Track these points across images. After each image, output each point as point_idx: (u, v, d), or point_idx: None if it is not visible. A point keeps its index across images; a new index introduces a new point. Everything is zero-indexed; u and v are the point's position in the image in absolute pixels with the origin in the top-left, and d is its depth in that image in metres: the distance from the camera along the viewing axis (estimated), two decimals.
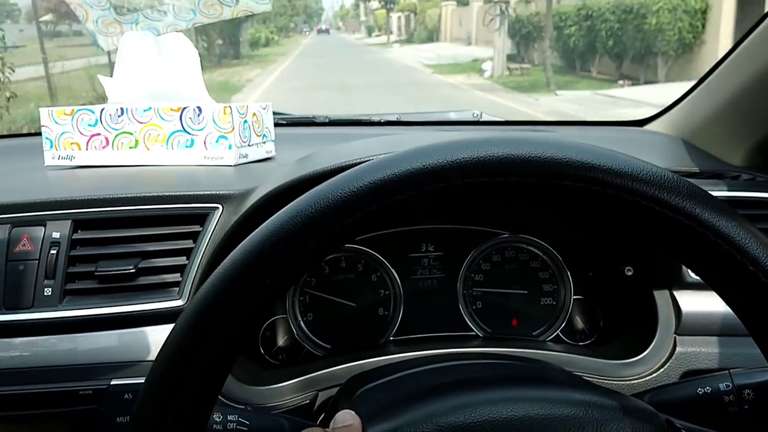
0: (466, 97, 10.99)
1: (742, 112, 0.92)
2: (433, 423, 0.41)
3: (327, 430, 0.44)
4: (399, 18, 37.04)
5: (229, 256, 0.39)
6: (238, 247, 0.39)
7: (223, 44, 18.62)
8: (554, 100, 9.92)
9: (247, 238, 0.39)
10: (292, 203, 0.39)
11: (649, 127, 1.15)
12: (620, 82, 11.12)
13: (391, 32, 36.32)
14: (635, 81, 11.09)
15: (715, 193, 0.79)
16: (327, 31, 58.92)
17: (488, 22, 14.31)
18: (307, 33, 53.89)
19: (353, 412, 0.44)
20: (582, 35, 12.74)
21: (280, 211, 0.39)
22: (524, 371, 0.57)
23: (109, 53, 1.04)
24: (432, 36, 27.58)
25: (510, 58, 14.59)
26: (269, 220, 0.39)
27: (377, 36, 41.65)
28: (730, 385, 0.55)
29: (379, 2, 37.77)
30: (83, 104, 1.00)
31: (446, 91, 11.75)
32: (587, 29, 12.56)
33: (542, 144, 0.39)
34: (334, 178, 0.40)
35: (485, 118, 1.34)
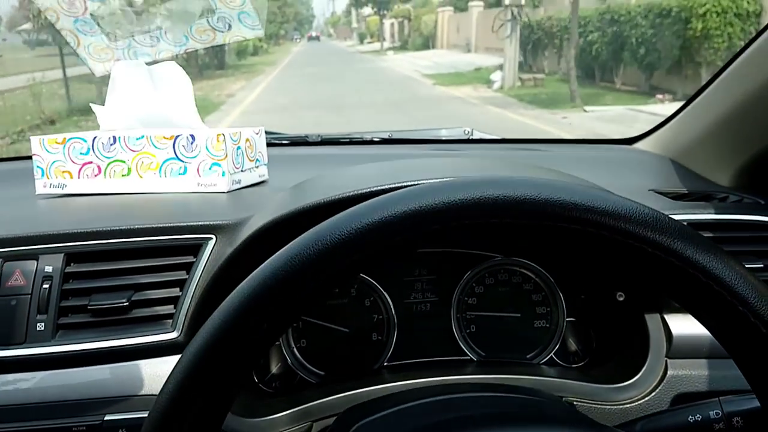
0: (479, 114, 9.41)
1: (730, 132, 0.93)
2: None
3: None
4: (392, 24, 35.93)
5: (228, 298, 0.40)
6: (237, 289, 0.40)
7: (207, 53, 16.80)
8: (585, 118, 8.56)
9: (247, 280, 0.40)
10: (289, 245, 0.40)
11: (638, 145, 1.16)
12: (659, 96, 9.61)
13: (384, 39, 35.22)
14: (672, 95, 9.54)
15: (703, 216, 0.81)
16: (317, 38, 58.39)
17: (498, 28, 12.78)
18: (298, 40, 53.21)
19: None
20: (606, 42, 11.24)
21: (278, 252, 0.40)
22: (519, 408, 0.57)
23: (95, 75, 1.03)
24: (427, 43, 26.46)
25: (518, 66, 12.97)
26: (267, 261, 0.40)
27: (369, 43, 40.36)
28: (720, 412, 0.56)
29: (372, 9, 36.64)
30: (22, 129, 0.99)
31: (453, 106, 10.42)
32: (613, 35, 11.06)
33: (537, 185, 0.40)
34: (332, 219, 0.41)
35: (476, 135, 1.35)
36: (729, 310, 0.39)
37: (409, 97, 11.44)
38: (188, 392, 0.38)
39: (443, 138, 1.35)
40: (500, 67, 12.84)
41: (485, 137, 1.33)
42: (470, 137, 1.33)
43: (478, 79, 13.57)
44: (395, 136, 1.34)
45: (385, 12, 34.53)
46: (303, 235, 0.40)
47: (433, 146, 1.31)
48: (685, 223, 0.79)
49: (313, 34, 61.17)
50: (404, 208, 0.39)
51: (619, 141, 1.21)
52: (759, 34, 0.83)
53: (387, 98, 11.07)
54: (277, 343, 0.83)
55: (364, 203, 0.41)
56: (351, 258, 0.39)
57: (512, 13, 12.24)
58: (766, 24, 0.81)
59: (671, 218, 0.40)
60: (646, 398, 0.73)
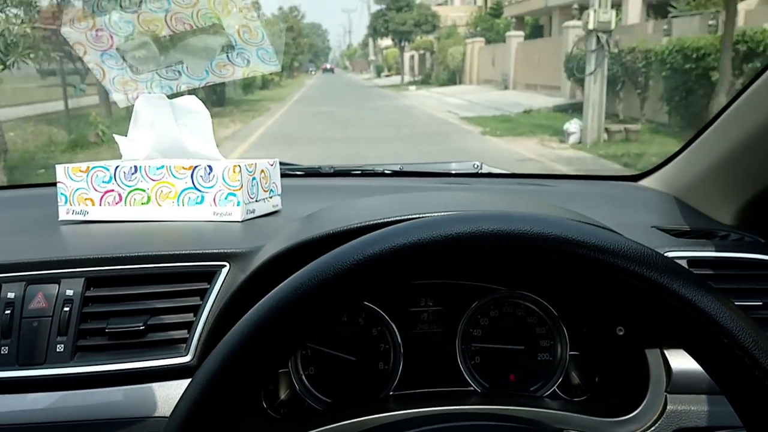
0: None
1: (733, 170, 0.95)
2: None
3: None
4: (412, 57, 34.00)
5: (237, 324, 0.42)
6: (246, 315, 0.42)
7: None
8: None
9: (255, 307, 0.43)
10: (295, 275, 0.43)
11: (643, 182, 1.18)
12: None
13: (404, 72, 33.20)
14: None
15: (703, 253, 0.83)
16: (331, 70, 58.35)
17: (578, 59, 9.55)
18: (313, 72, 52.65)
19: None
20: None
21: (285, 281, 0.43)
22: None
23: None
24: (454, 77, 23.72)
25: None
26: (274, 290, 0.43)
27: (387, 76, 38.26)
28: None
29: (391, 40, 33.73)
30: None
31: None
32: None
33: (531, 221, 0.43)
34: (336, 251, 0.44)
35: (485, 169, 1.38)
36: (716, 345, 0.42)
37: (452, 150, 8.38)
38: (198, 414, 0.40)
39: (453, 171, 1.38)
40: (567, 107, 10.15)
41: (495, 171, 1.36)
42: (479, 171, 1.37)
43: (539, 128, 9.87)
44: (406, 168, 1.38)
45: (405, 43, 32.02)
46: (308, 266, 0.43)
47: (443, 180, 1.34)
48: (686, 260, 0.82)
49: (328, 66, 60.84)
50: (402, 240, 0.42)
51: (624, 177, 1.23)
52: (762, 71, 0.85)
53: (420, 152, 7.99)
54: (286, 369, 0.86)
55: (367, 236, 0.44)
56: (352, 287, 0.42)
57: (598, 41, 8.37)
58: None
59: (659, 253, 0.42)
60: None
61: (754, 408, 0.43)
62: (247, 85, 18.19)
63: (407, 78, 32.36)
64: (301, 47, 40.01)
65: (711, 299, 0.42)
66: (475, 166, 1.42)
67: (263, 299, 0.43)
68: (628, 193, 1.13)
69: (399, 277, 0.43)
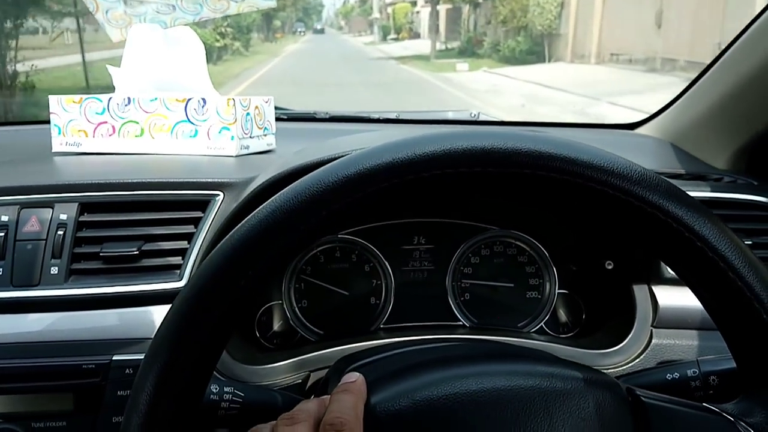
0: None
1: (728, 116, 0.95)
2: (408, 398, 0.44)
3: (322, 397, 0.47)
4: (434, 13, 21.79)
5: (222, 241, 0.42)
6: (230, 234, 0.42)
7: None
8: None
9: (237, 227, 0.42)
10: (272, 198, 0.42)
11: (639, 130, 1.18)
12: None
13: (418, 35, 23.36)
14: None
15: (696, 194, 0.84)
16: (322, 30, 50.67)
17: None
18: (303, 33, 44.15)
19: (359, 374, 0.48)
20: None
21: (266, 203, 0.42)
22: (494, 349, 0.60)
23: None
24: (537, 48, 13.97)
25: None
26: (256, 210, 0.42)
27: (396, 40, 27.28)
28: (697, 371, 0.59)
29: None
30: None
31: None
32: None
33: (504, 136, 0.42)
34: (311, 174, 0.43)
35: (483, 117, 1.37)
36: (713, 272, 0.41)
37: None
38: (183, 326, 0.40)
39: (450, 119, 1.38)
40: None
41: (492, 119, 1.36)
42: (477, 119, 1.36)
43: None
44: (403, 116, 1.37)
45: None
46: (289, 187, 0.42)
47: (440, 127, 1.34)
48: None
49: (318, 26, 53.08)
50: (378, 160, 0.41)
51: (621, 126, 1.23)
52: (757, 16, 0.85)
53: None
54: (279, 302, 0.87)
55: (345, 158, 0.43)
56: (329, 209, 0.41)
57: None
58: (765, 6, 0.82)
59: (645, 169, 0.42)
60: (631, 364, 0.76)
61: (746, 340, 0.43)
62: None
63: (440, 46, 21.26)
64: (284, 1, 30.48)
65: (707, 220, 0.42)
66: (473, 114, 1.41)
67: (246, 218, 0.42)
68: (623, 140, 1.13)
69: (376, 200, 0.42)
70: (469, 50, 19.07)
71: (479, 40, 19.01)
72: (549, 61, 13.75)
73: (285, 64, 17.44)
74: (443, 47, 21.03)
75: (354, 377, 0.47)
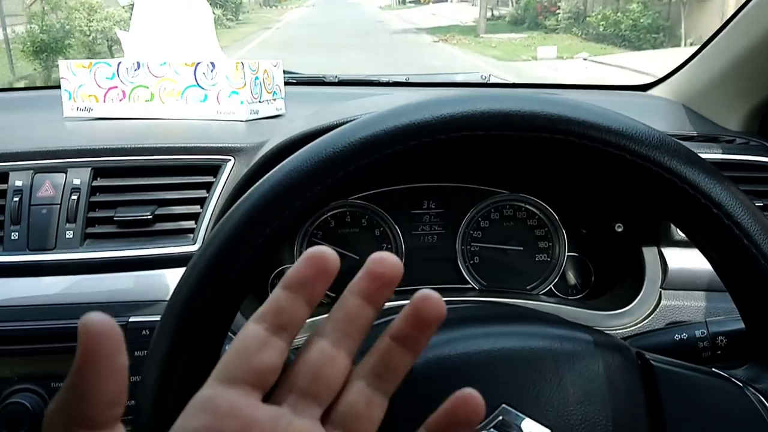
0: None
1: (741, 77, 0.93)
2: (420, 356, 0.45)
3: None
4: None
5: (239, 200, 0.42)
6: (248, 192, 0.42)
7: None
8: None
9: (256, 185, 0.42)
10: (288, 158, 0.42)
11: (651, 92, 1.17)
12: None
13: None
14: None
15: (708, 156, 0.83)
16: None
17: None
18: None
19: None
20: None
21: (278, 166, 0.42)
22: (506, 311, 0.61)
23: None
24: (671, 26, 9.42)
25: None
26: (275, 169, 0.43)
27: (418, 2, 19.82)
28: (705, 332, 0.59)
29: None
30: None
31: None
32: None
33: (523, 99, 0.42)
34: (327, 135, 0.43)
35: (493, 80, 1.36)
36: (725, 233, 0.41)
37: None
38: (198, 288, 0.40)
39: (460, 81, 1.36)
40: None
41: (501, 81, 1.34)
42: (487, 81, 1.35)
43: None
44: (412, 79, 1.36)
45: None
46: (302, 149, 0.42)
47: (451, 89, 1.33)
48: None
49: None
50: (394, 123, 0.41)
51: (633, 87, 1.21)
52: None
53: None
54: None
55: (358, 120, 0.42)
56: (345, 169, 0.41)
57: None
58: None
59: (652, 129, 0.42)
60: (639, 325, 0.76)
61: (757, 304, 0.43)
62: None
63: (464, 9, 15.44)
64: None
65: (724, 187, 0.42)
66: (483, 77, 1.40)
67: (257, 182, 0.42)
68: (635, 101, 1.12)
69: (392, 164, 0.41)
70: (530, 21, 13.19)
71: (548, 6, 12.45)
72: (687, 43, 8.44)
73: (274, 42, 12.93)
74: (493, 14, 14.82)
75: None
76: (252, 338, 0.31)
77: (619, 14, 10.92)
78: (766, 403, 0.43)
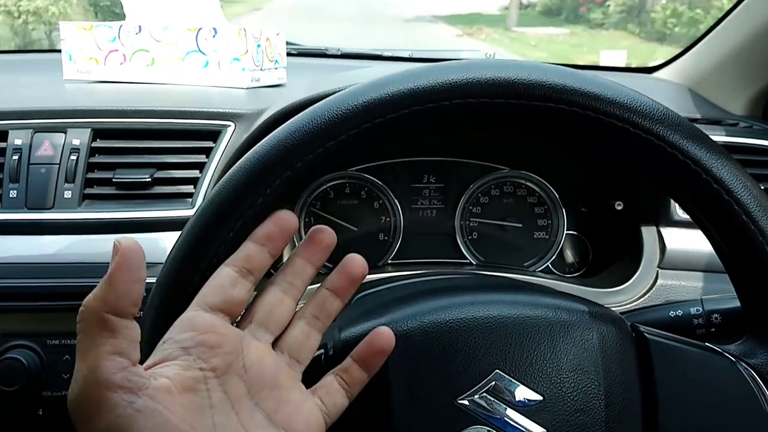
0: None
1: (746, 61, 0.93)
2: (417, 320, 0.45)
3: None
4: None
5: (237, 163, 0.42)
6: (241, 159, 0.42)
7: None
8: None
9: (248, 153, 0.42)
10: (290, 120, 0.42)
11: (658, 74, 1.16)
12: None
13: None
14: None
15: (712, 137, 0.83)
16: None
17: None
18: None
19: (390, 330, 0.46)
20: None
21: (279, 128, 0.42)
22: (503, 281, 0.61)
23: None
24: None
25: None
26: (276, 130, 0.42)
27: None
28: (701, 309, 0.60)
29: None
30: None
31: None
32: None
33: (528, 67, 0.42)
34: (338, 93, 0.42)
35: (498, 58, 1.35)
36: (725, 210, 0.41)
37: None
38: (196, 249, 0.40)
39: (464, 58, 1.35)
40: None
41: (507, 59, 1.33)
42: (492, 58, 1.34)
43: None
44: (416, 55, 1.35)
45: None
46: (301, 113, 0.42)
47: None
48: None
49: None
50: (398, 87, 0.41)
51: (640, 69, 1.21)
52: None
53: None
54: None
55: (359, 84, 0.42)
56: (348, 133, 0.40)
57: None
58: None
59: (658, 103, 0.42)
60: (635, 303, 0.77)
61: (753, 282, 0.43)
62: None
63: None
64: None
65: (726, 163, 0.41)
66: (488, 55, 1.39)
67: (258, 143, 0.42)
68: (640, 84, 1.11)
69: (391, 125, 0.41)
70: (568, 12, 10.97)
71: None
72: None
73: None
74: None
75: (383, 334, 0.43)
76: (226, 277, 0.39)
77: (697, 10, 8.10)
78: (757, 378, 0.43)
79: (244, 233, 0.41)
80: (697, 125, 0.81)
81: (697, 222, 0.45)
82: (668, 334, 0.47)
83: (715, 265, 0.45)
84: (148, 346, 0.39)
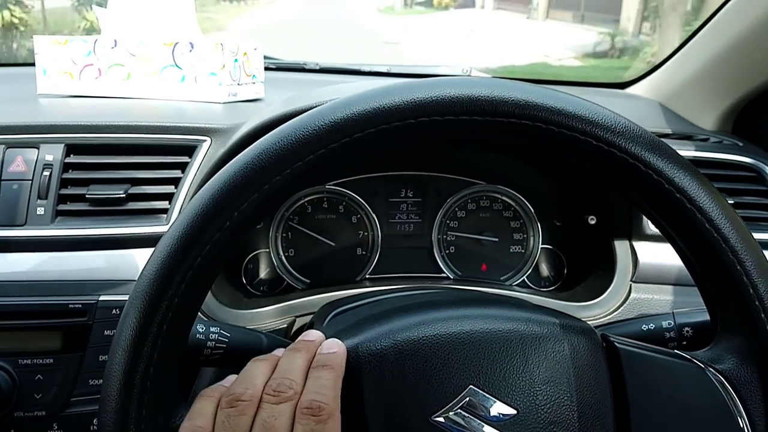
0: None
1: (717, 77, 0.95)
2: (390, 339, 0.45)
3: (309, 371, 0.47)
4: None
5: (205, 186, 0.42)
6: (212, 179, 0.42)
7: None
8: None
9: (218, 173, 0.42)
10: (258, 141, 0.42)
11: (630, 90, 1.18)
12: None
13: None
14: None
15: (682, 153, 0.84)
16: None
17: None
18: None
19: (318, 332, 0.48)
20: None
21: (248, 148, 0.42)
22: (475, 295, 0.61)
23: None
24: None
25: None
26: (242, 153, 0.42)
27: (430, 6, 14.98)
28: (672, 323, 0.60)
29: None
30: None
31: None
32: None
33: (491, 85, 0.42)
34: (297, 118, 0.43)
35: (475, 74, 1.36)
36: (694, 227, 0.42)
37: None
38: (167, 269, 0.40)
39: (441, 74, 1.36)
40: None
41: (482, 76, 1.35)
42: (469, 75, 1.35)
43: None
44: (394, 70, 1.36)
45: None
46: (271, 132, 0.42)
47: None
48: None
49: None
50: (365, 106, 0.41)
51: (612, 85, 1.23)
52: None
53: None
54: (266, 250, 0.87)
55: (330, 103, 0.42)
56: (316, 153, 0.41)
57: None
58: None
59: (618, 115, 0.43)
60: (609, 317, 0.77)
61: (718, 288, 0.44)
62: None
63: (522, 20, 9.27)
64: None
65: (687, 173, 0.42)
66: (464, 70, 1.40)
67: (229, 163, 0.42)
68: (612, 100, 1.13)
69: (360, 147, 0.42)
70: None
71: None
72: None
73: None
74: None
75: (335, 347, 0.45)
76: None
77: None
78: (726, 383, 0.44)
79: (212, 257, 0.41)
80: (669, 140, 0.83)
81: (663, 232, 0.46)
82: (638, 342, 0.47)
83: (686, 279, 0.46)
84: (120, 361, 0.39)
